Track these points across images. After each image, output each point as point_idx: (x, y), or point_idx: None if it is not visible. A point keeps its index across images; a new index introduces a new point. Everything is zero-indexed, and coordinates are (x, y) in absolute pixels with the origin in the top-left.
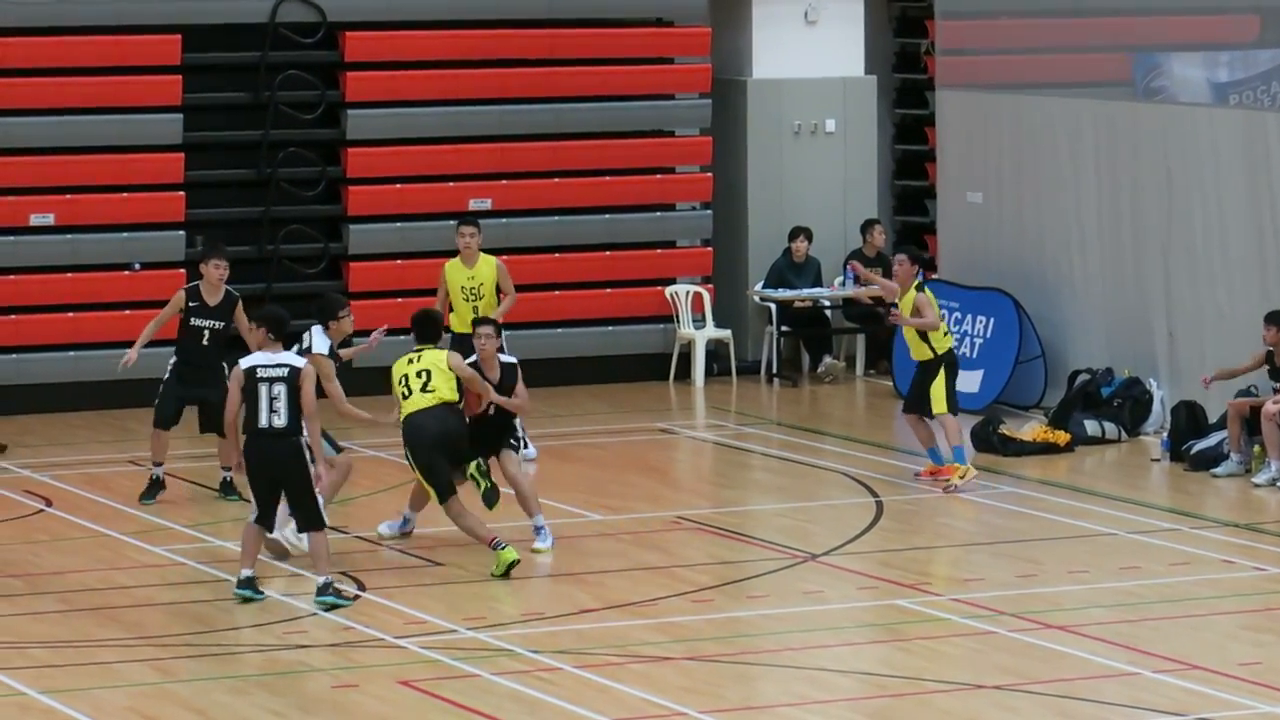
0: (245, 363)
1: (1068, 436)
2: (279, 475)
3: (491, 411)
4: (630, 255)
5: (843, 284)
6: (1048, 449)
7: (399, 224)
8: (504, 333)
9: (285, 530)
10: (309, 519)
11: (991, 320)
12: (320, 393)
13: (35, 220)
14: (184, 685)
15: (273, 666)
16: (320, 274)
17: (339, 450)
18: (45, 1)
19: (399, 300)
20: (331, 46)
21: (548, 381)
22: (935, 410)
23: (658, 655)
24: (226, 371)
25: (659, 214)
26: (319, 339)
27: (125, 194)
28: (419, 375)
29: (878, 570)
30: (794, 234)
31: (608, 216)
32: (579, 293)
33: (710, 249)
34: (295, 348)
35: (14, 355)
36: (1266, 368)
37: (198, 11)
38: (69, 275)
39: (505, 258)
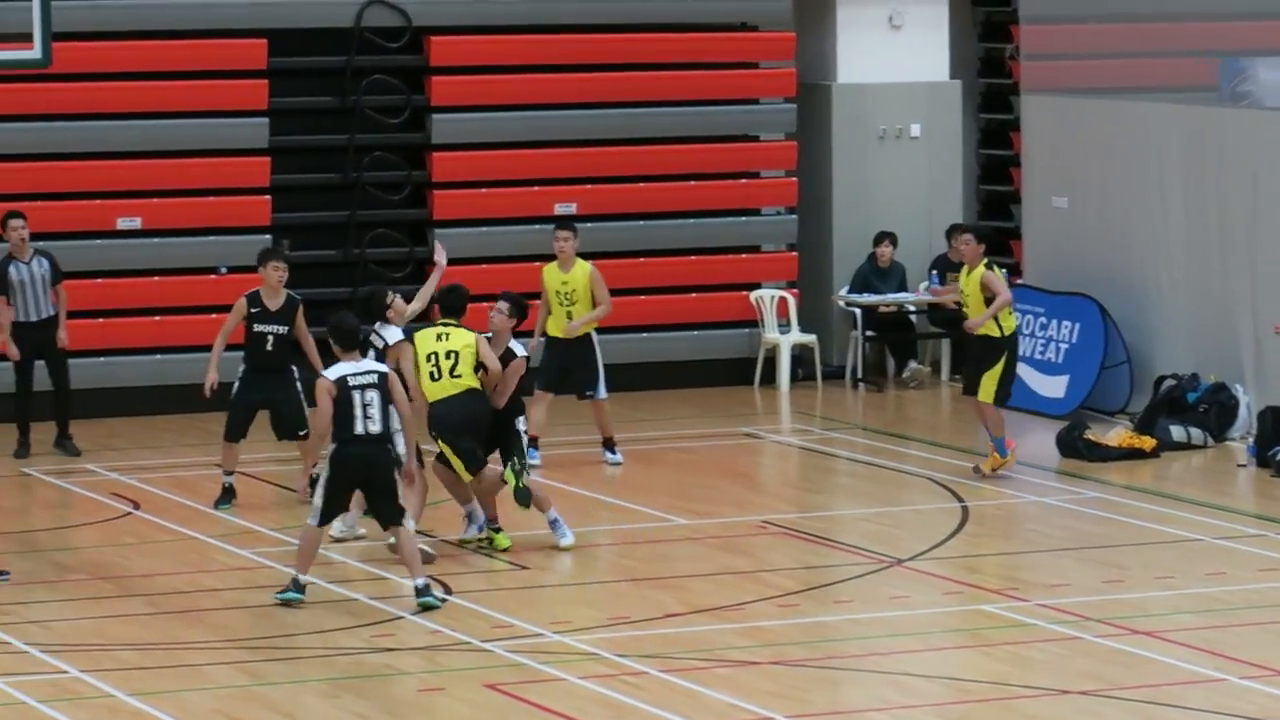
0: (332, 374)
1: (1153, 442)
2: (370, 477)
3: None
4: (715, 260)
5: (927, 289)
6: (1133, 454)
7: (483, 228)
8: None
9: (335, 523)
10: (391, 515)
11: (1077, 325)
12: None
13: (122, 224)
14: (272, 688)
15: (360, 670)
16: (405, 278)
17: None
18: (132, 6)
19: (483, 304)
20: (416, 51)
21: (633, 386)
22: (981, 397)
23: (743, 660)
24: (296, 375)
25: (744, 219)
26: (390, 333)
27: (211, 198)
28: (448, 356)
29: (963, 575)
30: (879, 239)
31: (692, 221)
32: (664, 298)
33: (795, 254)
34: (371, 353)
35: (101, 359)
36: None
37: (284, 16)
38: (155, 279)
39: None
